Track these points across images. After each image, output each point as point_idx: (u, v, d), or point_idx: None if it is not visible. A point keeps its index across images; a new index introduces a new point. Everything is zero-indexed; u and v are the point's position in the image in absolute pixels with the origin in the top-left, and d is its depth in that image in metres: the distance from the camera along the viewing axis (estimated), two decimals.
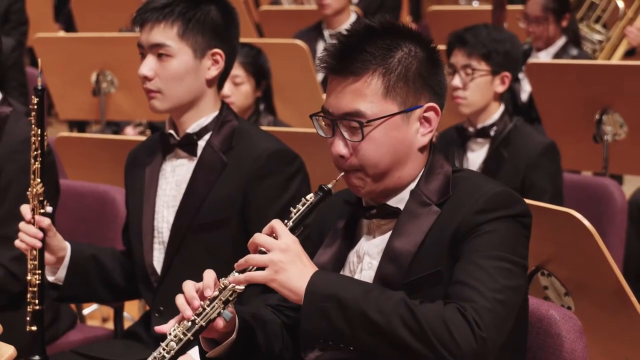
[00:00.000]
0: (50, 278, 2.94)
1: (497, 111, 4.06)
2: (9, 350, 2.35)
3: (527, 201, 2.97)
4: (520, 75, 5.50)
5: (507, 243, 2.20)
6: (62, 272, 2.94)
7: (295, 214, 2.26)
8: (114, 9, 6.96)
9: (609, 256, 2.82)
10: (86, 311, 4.78)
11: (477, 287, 2.13)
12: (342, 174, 2.30)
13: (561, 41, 5.74)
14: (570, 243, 2.90)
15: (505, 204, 2.24)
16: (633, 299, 2.84)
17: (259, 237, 2.21)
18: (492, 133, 4.05)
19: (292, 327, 2.42)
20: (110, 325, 4.75)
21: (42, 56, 5.39)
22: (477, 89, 4.02)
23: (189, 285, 2.25)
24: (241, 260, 2.21)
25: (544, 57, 5.70)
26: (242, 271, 2.21)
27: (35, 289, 2.80)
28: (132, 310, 4.88)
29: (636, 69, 4.61)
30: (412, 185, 2.32)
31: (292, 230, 2.24)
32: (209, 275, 2.26)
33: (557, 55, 5.70)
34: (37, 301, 2.80)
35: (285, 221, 2.24)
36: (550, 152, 4.03)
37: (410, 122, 2.29)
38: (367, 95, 2.25)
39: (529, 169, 3.98)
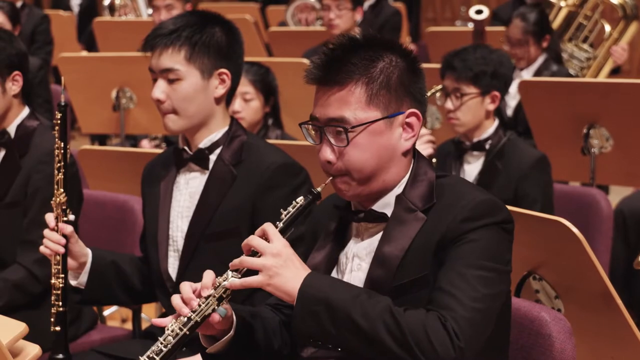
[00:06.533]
0: (72, 282, 2.93)
1: (491, 126, 4.06)
2: (35, 349, 2.36)
3: (520, 210, 2.99)
4: None
5: (490, 251, 2.19)
6: (84, 277, 2.94)
7: (285, 216, 2.25)
8: (132, 30, 6.96)
9: (596, 261, 2.82)
10: (106, 312, 4.76)
11: (457, 295, 2.12)
12: (330, 178, 2.29)
13: (541, 58, 5.75)
14: (560, 249, 2.89)
15: (488, 211, 2.22)
16: (619, 301, 2.83)
17: (253, 240, 2.19)
18: (487, 146, 4.04)
19: (289, 325, 2.40)
20: (129, 325, 4.76)
21: (65, 74, 5.42)
22: (468, 111, 4.01)
23: (185, 287, 2.24)
24: (236, 261, 2.20)
25: (525, 74, 5.70)
26: (236, 270, 2.20)
27: (59, 291, 2.80)
28: (150, 312, 4.87)
29: (621, 86, 4.60)
30: (398, 190, 2.30)
31: (283, 231, 2.23)
32: (209, 276, 2.24)
33: (538, 72, 5.71)
34: (60, 303, 2.80)
35: (277, 223, 2.23)
36: (541, 164, 4.02)
37: (393, 127, 2.28)
38: (351, 102, 2.25)
39: (522, 180, 3.97)
